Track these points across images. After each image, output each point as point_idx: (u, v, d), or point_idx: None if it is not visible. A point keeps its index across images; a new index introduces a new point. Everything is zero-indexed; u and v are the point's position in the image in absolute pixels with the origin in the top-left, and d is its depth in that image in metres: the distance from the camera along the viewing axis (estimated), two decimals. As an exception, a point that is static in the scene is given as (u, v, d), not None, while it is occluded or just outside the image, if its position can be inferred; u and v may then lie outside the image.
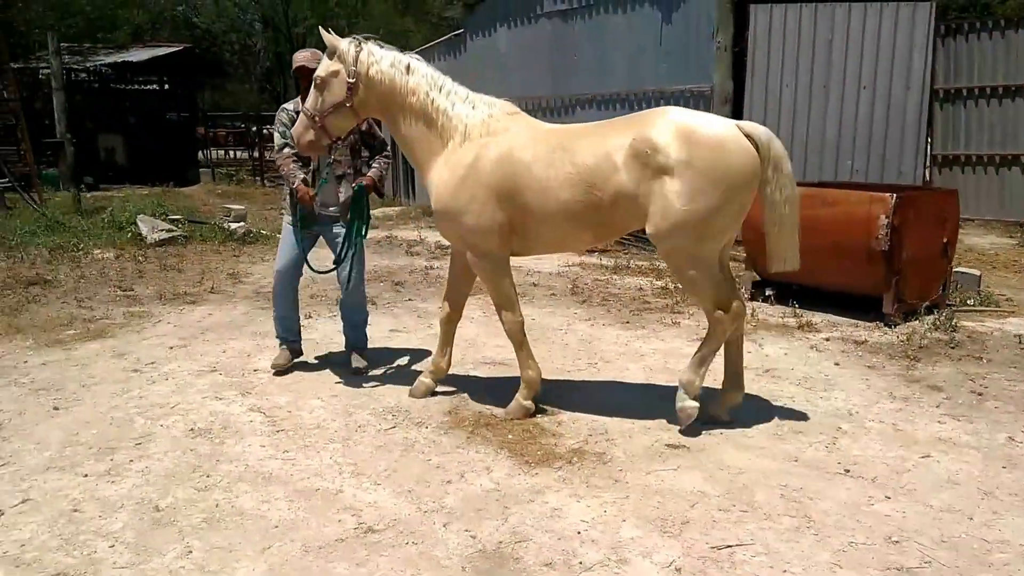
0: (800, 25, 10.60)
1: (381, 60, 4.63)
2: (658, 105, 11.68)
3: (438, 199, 4.64)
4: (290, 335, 5.61)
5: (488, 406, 4.90)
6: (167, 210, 12.38)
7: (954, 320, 6.81)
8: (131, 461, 4.05)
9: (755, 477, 3.97)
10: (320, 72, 4.62)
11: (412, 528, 3.45)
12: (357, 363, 5.57)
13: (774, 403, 5.06)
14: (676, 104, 11.55)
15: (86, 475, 3.89)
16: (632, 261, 9.96)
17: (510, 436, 4.46)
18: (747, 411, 4.89)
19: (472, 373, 5.65)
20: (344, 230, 5.33)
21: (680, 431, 4.52)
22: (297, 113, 5.00)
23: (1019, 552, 3.29)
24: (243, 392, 5.07)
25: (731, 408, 4.77)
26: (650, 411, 4.86)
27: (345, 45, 4.60)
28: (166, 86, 25.03)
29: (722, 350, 4.69)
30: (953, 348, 6.24)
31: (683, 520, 3.53)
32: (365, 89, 4.60)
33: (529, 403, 4.76)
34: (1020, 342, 6.37)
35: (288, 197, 5.35)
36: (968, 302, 7.69)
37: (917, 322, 6.99)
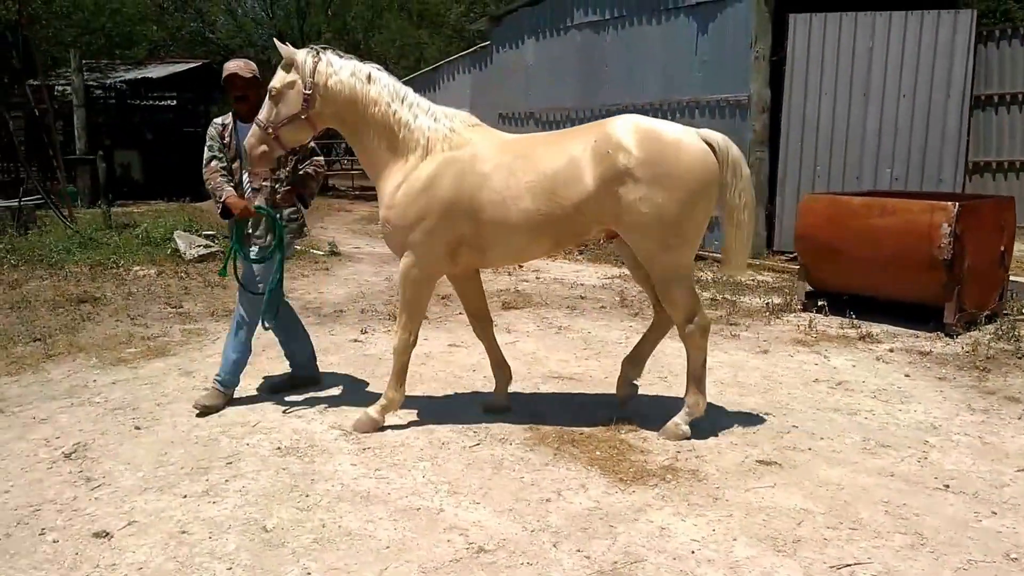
0: (840, 34, 10.58)
1: (341, 70, 4.56)
2: (693, 115, 11.72)
3: (389, 209, 4.58)
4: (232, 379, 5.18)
5: (567, 424, 4.86)
6: (199, 226, 12.40)
7: (1017, 330, 6.76)
8: (226, 481, 4.03)
9: (855, 493, 3.93)
10: (275, 84, 4.56)
11: (523, 548, 3.41)
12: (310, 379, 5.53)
13: (855, 417, 5.02)
14: (712, 114, 11.61)
15: (185, 496, 3.87)
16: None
17: (598, 453, 4.42)
18: (831, 425, 4.86)
19: (542, 388, 5.62)
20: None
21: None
22: (223, 126, 5.06)
23: None
24: (319, 410, 5.05)
25: (628, 381, 5.03)
26: (732, 426, 4.83)
27: (302, 56, 4.55)
28: (180, 102, 25.09)
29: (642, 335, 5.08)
30: (1021, 359, 6.20)
31: (794, 539, 3.49)
32: (322, 100, 4.54)
33: (379, 418, 4.74)
34: (1090, 352, 6.31)
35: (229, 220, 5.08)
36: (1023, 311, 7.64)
37: (978, 332, 6.95)
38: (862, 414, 5.07)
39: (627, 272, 10.26)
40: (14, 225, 12.05)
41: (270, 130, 4.56)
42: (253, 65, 5.11)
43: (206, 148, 5.10)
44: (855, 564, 3.28)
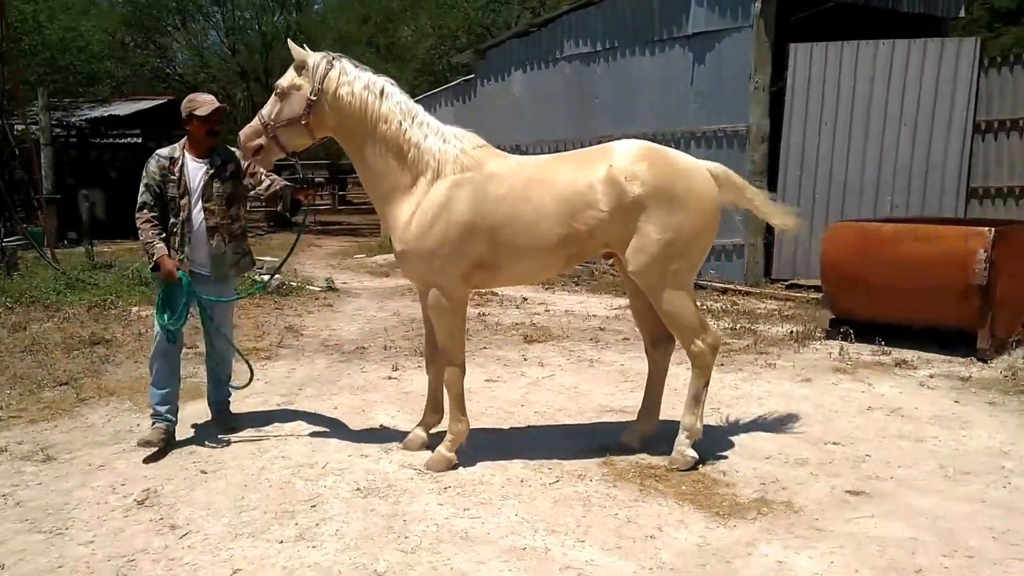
0: (841, 63, 10.78)
1: (354, 81, 4.45)
2: (689, 146, 11.82)
3: (405, 239, 4.45)
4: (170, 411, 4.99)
5: (640, 455, 4.78)
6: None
7: (1046, 355, 6.87)
8: (316, 525, 3.88)
9: (956, 522, 3.91)
10: (283, 82, 4.48)
11: (647, 588, 3.31)
12: (231, 422, 5.31)
13: (923, 444, 5.02)
14: (710, 144, 11.74)
15: (281, 541, 3.70)
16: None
17: (683, 488, 4.35)
18: (902, 453, 4.85)
19: (597, 421, 5.53)
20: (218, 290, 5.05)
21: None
22: (170, 160, 4.85)
23: None
24: (383, 449, 4.90)
25: (644, 438, 4.89)
26: (805, 456, 4.80)
27: (314, 59, 4.44)
28: (145, 139, 24.67)
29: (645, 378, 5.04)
30: (1062, 381, 6.27)
31: (915, 569, 3.46)
32: (329, 109, 4.44)
33: (452, 455, 4.61)
34: (1123, 374, 6.43)
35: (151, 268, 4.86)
36: (1045, 335, 7.76)
37: (1009, 357, 7.04)
38: (928, 441, 5.07)
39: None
40: (1, 266, 11.68)
41: (269, 127, 4.46)
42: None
43: (142, 187, 4.82)
44: (986, 593, 3.24)
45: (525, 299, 10.40)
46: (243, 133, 4.53)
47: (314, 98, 4.39)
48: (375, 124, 4.45)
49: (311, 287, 11.00)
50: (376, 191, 4.61)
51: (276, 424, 5.38)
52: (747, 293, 10.60)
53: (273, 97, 4.49)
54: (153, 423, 4.94)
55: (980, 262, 6.74)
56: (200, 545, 3.70)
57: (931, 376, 6.54)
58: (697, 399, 4.66)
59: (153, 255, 4.74)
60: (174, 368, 5.03)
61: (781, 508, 4.08)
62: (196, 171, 4.93)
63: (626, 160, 4.37)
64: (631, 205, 4.32)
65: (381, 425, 5.37)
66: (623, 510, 4.07)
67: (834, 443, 5.03)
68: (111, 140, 24.08)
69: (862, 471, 4.57)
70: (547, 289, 11.11)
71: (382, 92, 4.49)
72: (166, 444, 4.85)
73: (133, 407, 5.77)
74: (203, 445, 4.99)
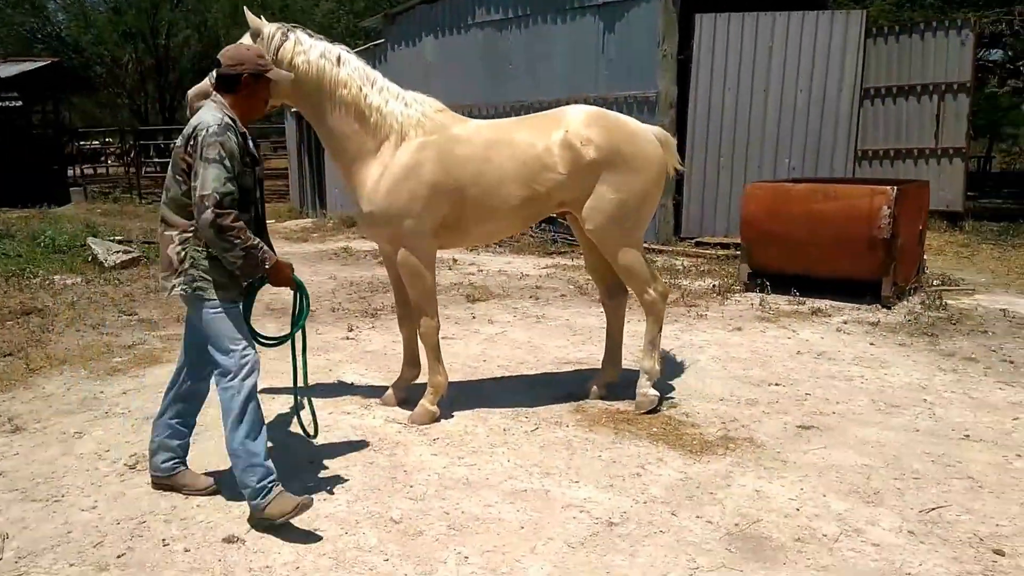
0: (743, 33, 11.35)
1: (310, 50, 4.45)
2: (604, 110, 12.15)
3: (373, 201, 4.53)
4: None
5: (609, 402, 5.10)
6: (105, 232, 11.64)
7: (942, 299, 7.63)
8: (322, 478, 3.99)
9: (897, 449, 4.42)
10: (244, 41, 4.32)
11: (647, 519, 3.64)
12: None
13: (852, 382, 5.55)
14: (620, 110, 12.10)
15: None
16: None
17: (655, 430, 4.70)
18: (837, 390, 5.36)
19: (557, 371, 5.80)
20: None
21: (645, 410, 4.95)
22: (243, 137, 3.59)
23: None
24: (362, 406, 5.02)
25: (608, 384, 5.31)
26: (755, 397, 5.24)
27: (269, 30, 4.40)
28: (23, 102, 23.04)
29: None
30: (954, 324, 7.01)
31: (873, 491, 3.91)
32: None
33: (435, 408, 4.78)
34: (1006, 315, 7.24)
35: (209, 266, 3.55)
36: (934, 283, 8.59)
37: (907, 303, 7.77)
38: (856, 379, 5.62)
39: (562, 261, 10.60)
40: None
41: None
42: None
43: (219, 171, 3.38)
44: (938, 507, 3.73)
45: (455, 260, 10.56)
46: (193, 94, 4.12)
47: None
48: (334, 90, 4.50)
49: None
50: (341, 156, 4.67)
51: (245, 387, 5.38)
52: (660, 251, 11.12)
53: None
54: (271, 489, 3.49)
55: (885, 218, 7.40)
56: (209, 504, 3.77)
57: (845, 322, 7.16)
58: (653, 344, 5.04)
59: (265, 261, 3.58)
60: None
61: (745, 444, 4.48)
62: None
63: (580, 125, 4.67)
64: (587, 167, 4.64)
65: (353, 383, 5.47)
66: (604, 452, 4.38)
67: (776, 384, 5.50)
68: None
69: (806, 408, 5.05)
70: (471, 251, 11.27)
71: (339, 59, 4.54)
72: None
73: (90, 375, 5.64)
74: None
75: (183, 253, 3.53)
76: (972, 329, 6.85)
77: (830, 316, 7.41)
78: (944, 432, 4.65)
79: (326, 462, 4.20)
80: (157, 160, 23.85)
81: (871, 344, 6.49)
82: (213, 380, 3.70)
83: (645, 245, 11.34)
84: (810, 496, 3.86)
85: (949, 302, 7.68)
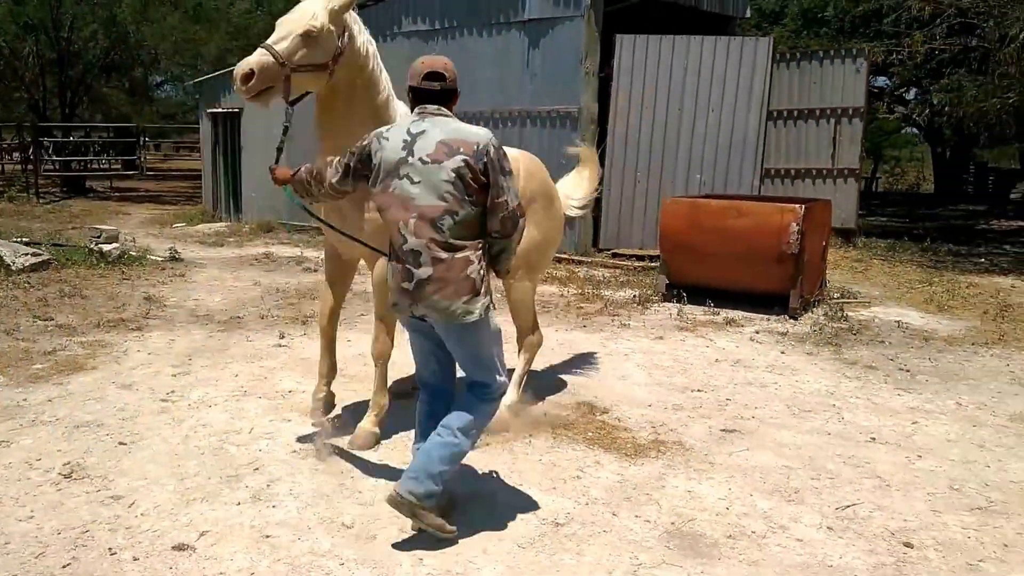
0: (660, 54, 11.82)
1: (362, 33, 4.30)
2: (525, 124, 12.45)
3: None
4: None
5: (550, 407, 5.28)
6: (4, 233, 11.10)
7: (844, 311, 8.16)
8: (268, 486, 4.02)
9: (812, 451, 4.75)
10: (316, 24, 3.96)
11: (590, 520, 3.82)
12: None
13: (767, 388, 5.91)
14: (544, 124, 12.40)
15: (238, 503, 3.82)
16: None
17: (589, 434, 4.91)
18: (753, 396, 5.70)
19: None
20: None
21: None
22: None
23: (1042, 485, 4.33)
24: (303, 413, 5.04)
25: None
26: (681, 403, 5.51)
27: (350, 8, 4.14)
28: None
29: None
30: (855, 334, 7.52)
31: (794, 489, 4.21)
32: (345, 60, 4.15)
33: (377, 429, 4.64)
34: (900, 326, 7.81)
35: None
36: (835, 296, 9.15)
37: (812, 315, 8.27)
38: (770, 386, 5.98)
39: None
40: None
41: (286, 67, 3.92)
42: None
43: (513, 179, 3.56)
44: (853, 505, 4.05)
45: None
46: (254, 67, 3.85)
47: (343, 46, 4.11)
48: (369, 84, 4.33)
49: (152, 257, 10.46)
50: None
51: (178, 394, 5.31)
52: (580, 261, 11.42)
53: (297, 37, 3.95)
54: (436, 496, 3.52)
55: (793, 233, 7.87)
56: (154, 512, 3.74)
57: (757, 332, 7.57)
58: (521, 380, 5.26)
59: None
60: None
61: (675, 447, 4.74)
62: None
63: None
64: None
65: (289, 391, 5.46)
66: (544, 456, 4.55)
67: (698, 390, 5.80)
68: None
69: (728, 413, 5.36)
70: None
71: (374, 50, 4.40)
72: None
73: (9, 382, 5.45)
74: (109, 418, 4.85)
75: (482, 272, 3.44)
76: (871, 339, 7.36)
77: (743, 326, 7.82)
78: (852, 435, 5.03)
79: (271, 469, 4.22)
80: (57, 158, 22.72)
81: (782, 353, 6.90)
82: (469, 392, 3.63)
83: (564, 256, 11.71)
84: (738, 495, 4.12)
85: (849, 314, 8.22)
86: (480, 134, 3.43)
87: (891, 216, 20.35)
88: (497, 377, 3.59)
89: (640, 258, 11.47)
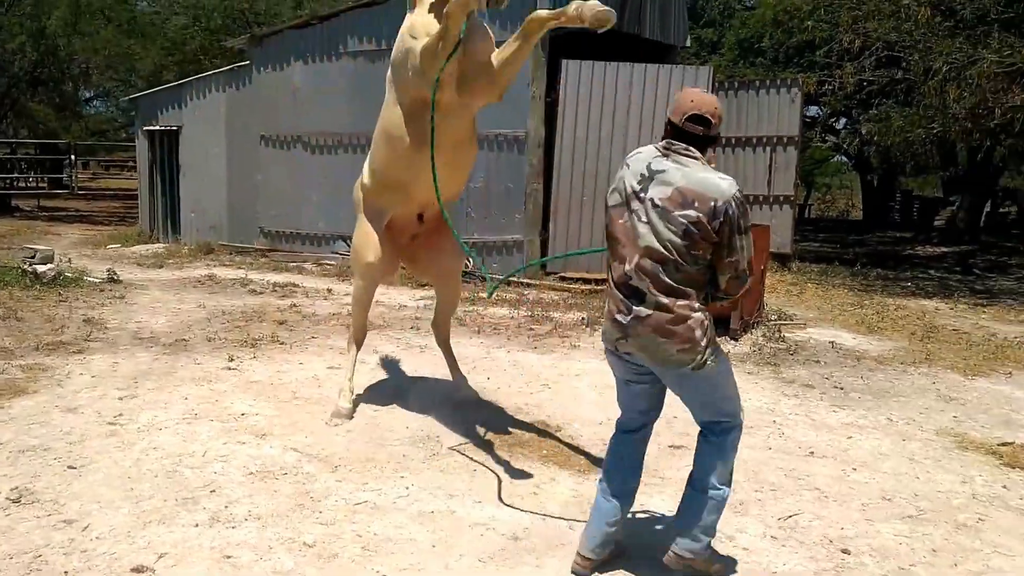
0: (604, 80, 12.12)
1: None
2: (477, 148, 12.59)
3: None
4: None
5: (502, 430, 5.39)
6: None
7: (781, 332, 8.48)
8: (226, 507, 4.02)
9: (756, 465, 4.96)
10: None
11: (548, 534, 3.94)
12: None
13: (713, 407, 6.11)
14: (492, 147, 12.56)
15: (196, 524, 3.82)
16: (474, 293, 10.62)
17: (544, 452, 5.04)
18: (702, 414, 5.89)
19: (449, 398, 6.00)
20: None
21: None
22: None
23: (968, 494, 4.60)
24: (257, 435, 5.05)
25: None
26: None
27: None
28: None
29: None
30: (792, 354, 7.83)
31: (739, 502, 4.39)
32: None
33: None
34: (834, 347, 8.15)
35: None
36: (773, 318, 9.50)
37: (751, 336, 8.57)
38: (715, 404, 6.19)
39: (428, 292, 10.82)
40: None
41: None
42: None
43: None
44: (794, 515, 4.26)
45: (330, 290, 10.55)
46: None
47: None
48: None
49: (90, 278, 10.25)
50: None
51: (126, 417, 5.26)
52: (528, 284, 11.58)
53: None
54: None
55: (735, 258, 8.14)
56: (110, 536, 3.71)
57: (701, 353, 7.81)
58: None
59: None
60: None
61: (626, 463, 4.89)
62: None
63: None
64: None
65: (242, 414, 5.46)
66: (502, 473, 4.65)
67: (647, 410, 5.97)
68: None
69: (675, 429, 5.52)
70: (344, 281, 11.30)
71: None
72: None
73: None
74: (55, 442, 4.79)
75: (706, 322, 3.27)
76: (807, 359, 7.68)
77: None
78: (792, 450, 5.26)
79: (228, 491, 4.22)
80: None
81: (725, 372, 7.14)
82: (709, 438, 3.53)
83: (513, 279, 11.87)
84: (688, 509, 4.29)
85: (787, 335, 8.54)
86: (722, 189, 3.17)
87: (823, 241, 21.10)
88: (732, 409, 3.51)
89: (587, 281, 11.68)
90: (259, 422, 5.30)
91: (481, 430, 5.33)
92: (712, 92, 12.32)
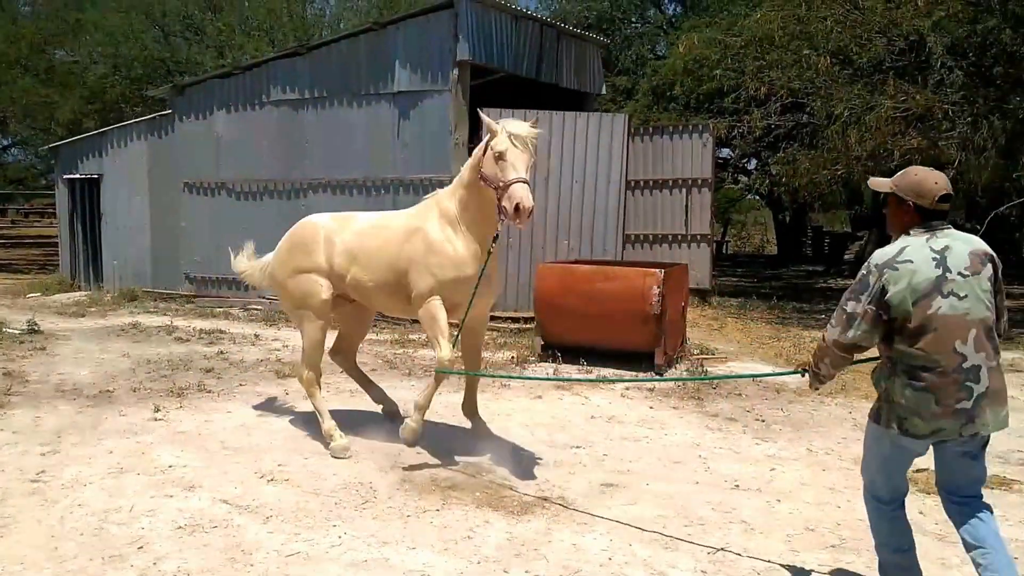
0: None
1: None
2: (398, 192, 12.72)
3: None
4: None
5: (430, 471, 5.41)
6: None
7: (704, 367, 8.74)
8: (155, 564, 3.94)
9: (684, 499, 5.11)
10: (502, 146, 5.69)
11: (484, 576, 3.97)
12: None
13: (640, 443, 6.28)
14: (416, 191, 12.66)
15: (127, 585, 3.72)
16: (408, 336, 10.63)
17: (478, 494, 5.08)
18: (628, 450, 6.05)
19: (381, 443, 5.98)
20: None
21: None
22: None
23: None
24: (185, 487, 4.95)
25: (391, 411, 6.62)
26: (561, 459, 5.79)
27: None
28: None
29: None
30: (715, 388, 8.07)
31: (672, 537, 4.53)
32: None
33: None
34: (754, 380, 8.44)
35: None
36: (695, 353, 9.78)
37: (675, 371, 8.81)
38: (643, 440, 6.36)
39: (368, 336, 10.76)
40: None
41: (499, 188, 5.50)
42: None
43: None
44: (722, 549, 4.40)
45: (258, 336, 10.39)
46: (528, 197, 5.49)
47: None
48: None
49: (9, 329, 9.85)
50: None
51: (50, 474, 5.10)
52: (457, 325, 11.60)
53: (496, 161, 5.63)
54: None
55: (655, 295, 8.42)
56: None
57: (627, 388, 8.00)
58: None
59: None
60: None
61: (559, 503, 4.98)
62: None
63: None
64: None
65: (169, 466, 5.34)
66: (436, 518, 4.68)
67: (577, 447, 6.10)
68: None
69: (606, 467, 5.66)
70: (272, 326, 11.14)
71: None
72: None
73: None
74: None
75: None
76: (729, 392, 7.93)
77: (614, 383, 8.23)
78: (719, 483, 5.43)
79: (156, 547, 4.14)
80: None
81: (651, 408, 7.34)
82: (975, 516, 3.48)
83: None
84: (619, 546, 4.39)
85: (709, 369, 8.82)
86: (982, 242, 3.43)
87: (741, 276, 21.84)
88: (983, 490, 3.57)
89: (516, 320, 11.81)
90: (187, 474, 5.20)
91: (414, 474, 5.34)
92: (628, 137, 12.77)
